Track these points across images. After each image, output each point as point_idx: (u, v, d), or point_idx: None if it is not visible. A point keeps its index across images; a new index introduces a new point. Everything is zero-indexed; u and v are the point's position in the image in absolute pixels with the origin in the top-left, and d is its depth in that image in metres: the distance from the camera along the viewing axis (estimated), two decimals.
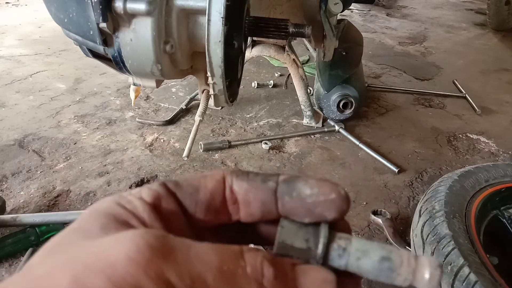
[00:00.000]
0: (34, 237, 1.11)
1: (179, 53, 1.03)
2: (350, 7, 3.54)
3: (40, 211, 1.26)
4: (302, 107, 1.84)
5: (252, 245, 0.24)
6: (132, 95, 1.42)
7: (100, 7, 0.87)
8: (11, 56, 2.46)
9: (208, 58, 0.97)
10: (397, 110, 2.10)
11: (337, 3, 1.52)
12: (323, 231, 0.24)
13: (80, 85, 2.14)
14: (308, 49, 2.74)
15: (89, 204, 1.31)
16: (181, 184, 0.26)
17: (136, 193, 0.25)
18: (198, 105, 1.24)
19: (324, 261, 0.24)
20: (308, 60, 2.66)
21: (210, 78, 1.02)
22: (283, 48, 1.73)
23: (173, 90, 2.14)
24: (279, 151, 1.66)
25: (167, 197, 0.25)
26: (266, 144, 1.65)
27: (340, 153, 1.68)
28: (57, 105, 1.92)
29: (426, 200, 1.12)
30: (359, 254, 0.24)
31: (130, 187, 1.39)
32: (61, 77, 2.22)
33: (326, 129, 1.81)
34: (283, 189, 0.25)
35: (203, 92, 1.19)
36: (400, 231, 1.27)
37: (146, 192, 0.25)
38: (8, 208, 1.25)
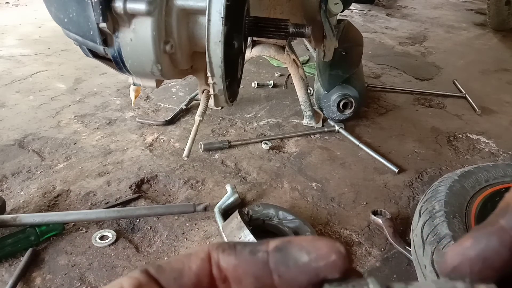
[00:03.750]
0: (34, 237, 1.11)
1: (179, 53, 1.03)
2: (350, 7, 3.54)
3: (40, 211, 1.26)
4: (302, 107, 1.84)
5: None
6: (132, 95, 1.42)
7: (100, 7, 0.87)
8: (11, 56, 2.46)
9: (208, 58, 0.97)
10: (397, 110, 2.10)
11: (337, 3, 1.52)
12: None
13: (80, 85, 2.14)
14: (308, 49, 2.74)
15: (89, 204, 1.31)
16: (164, 268, 0.24)
17: (116, 284, 0.23)
18: (198, 105, 1.24)
19: None
20: (308, 60, 2.66)
21: (210, 78, 1.02)
22: (283, 48, 1.73)
23: (173, 90, 2.14)
24: (279, 151, 1.66)
25: (150, 285, 0.23)
26: (266, 144, 1.65)
27: (340, 153, 1.68)
28: (57, 105, 1.92)
29: (426, 200, 1.12)
30: None
31: (130, 187, 1.39)
32: (61, 77, 2.22)
33: (326, 129, 1.81)
34: (276, 259, 0.23)
35: (203, 92, 1.19)
36: (400, 231, 1.27)
37: (126, 281, 0.23)
38: (8, 208, 1.25)
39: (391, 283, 0.23)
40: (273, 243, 0.24)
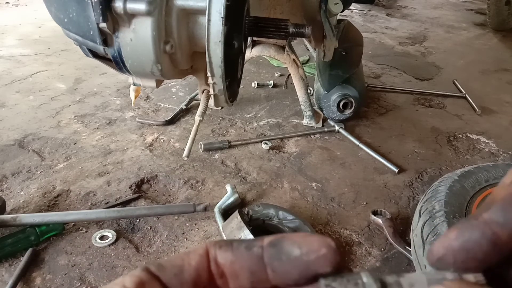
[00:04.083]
0: (34, 237, 1.11)
1: (179, 53, 1.03)
2: (350, 7, 3.54)
3: (40, 211, 1.26)
4: (302, 107, 1.84)
5: None
6: (132, 95, 1.42)
7: (100, 7, 0.87)
8: (11, 56, 2.46)
9: (208, 58, 0.97)
10: (397, 110, 2.10)
11: (337, 3, 1.52)
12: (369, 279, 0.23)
13: (80, 85, 2.14)
14: (308, 49, 2.74)
15: (89, 204, 1.31)
16: (164, 266, 0.25)
17: (118, 283, 0.24)
18: (198, 105, 1.24)
19: None
20: (308, 60, 2.66)
21: (210, 78, 1.02)
22: (283, 48, 1.73)
23: (173, 90, 2.14)
24: (279, 151, 1.66)
25: (151, 282, 0.24)
26: (266, 144, 1.65)
27: (340, 153, 1.68)
28: (57, 105, 1.92)
29: (426, 200, 1.12)
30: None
31: (130, 187, 1.39)
32: (61, 77, 2.22)
33: (326, 129, 1.81)
34: (270, 254, 0.24)
35: (203, 92, 1.19)
36: (400, 231, 1.27)
37: (128, 279, 0.24)
38: (8, 208, 1.25)
39: (383, 275, 0.24)
40: (267, 239, 0.25)
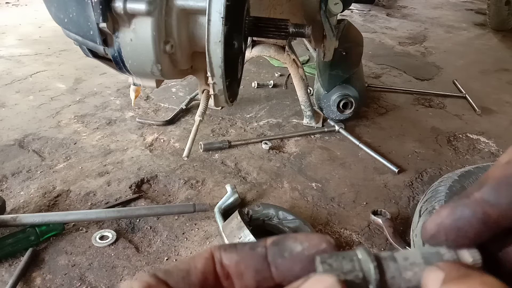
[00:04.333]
0: (34, 237, 1.11)
1: (179, 53, 1.03)
2: (350, 7, 3.54)
3: (40, 211, 1.26)
4: (302, 107, 1.84)
5: None
6: (132, 95, 1.41)
7: (100, 7, 0.87)
8: (11, 56, 2.46)
9: (208, 58, 0.97)
10: (397, 110, 2.10)
11: (337, 3, 1.52)
12: (365, 254, 0.24)
13: (80, 85, 2.14)
14: (308, 49, 2.74)
15: (89, 204, 1.31)
16: (171, 271, 0.25)
17: (125, 286, 0.24)
18: (198, 105, 1.24)
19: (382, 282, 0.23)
20: (308, 60, 2.66)
21: (210, 78, 1.02)
22: (283, 48, 1.73)
23: (173, 90, 2.14)
24: (279, 151, 1.66)
25: (159, 286, 0.24)
26: (266, 144, 1.65)
27: (340, 153, 1.68)
28: (57, 105, 1.92)
29: (426, 200, 1.12)
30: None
31: (130, 187, 1.39)
32: (61, 77, 2.22)
33: (326, 129, 1.81)
34: (274, 252, 0.25)
35: (203, 92, 1.19)
36: (400, 231, 1.27)
37: (136, 284, 0.24)
38: (8, 208, 1.25)
39: (378, 252, 0.24)
40: (270, 239, 0.26)
